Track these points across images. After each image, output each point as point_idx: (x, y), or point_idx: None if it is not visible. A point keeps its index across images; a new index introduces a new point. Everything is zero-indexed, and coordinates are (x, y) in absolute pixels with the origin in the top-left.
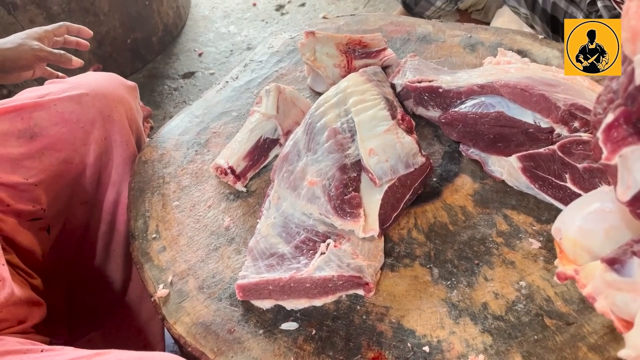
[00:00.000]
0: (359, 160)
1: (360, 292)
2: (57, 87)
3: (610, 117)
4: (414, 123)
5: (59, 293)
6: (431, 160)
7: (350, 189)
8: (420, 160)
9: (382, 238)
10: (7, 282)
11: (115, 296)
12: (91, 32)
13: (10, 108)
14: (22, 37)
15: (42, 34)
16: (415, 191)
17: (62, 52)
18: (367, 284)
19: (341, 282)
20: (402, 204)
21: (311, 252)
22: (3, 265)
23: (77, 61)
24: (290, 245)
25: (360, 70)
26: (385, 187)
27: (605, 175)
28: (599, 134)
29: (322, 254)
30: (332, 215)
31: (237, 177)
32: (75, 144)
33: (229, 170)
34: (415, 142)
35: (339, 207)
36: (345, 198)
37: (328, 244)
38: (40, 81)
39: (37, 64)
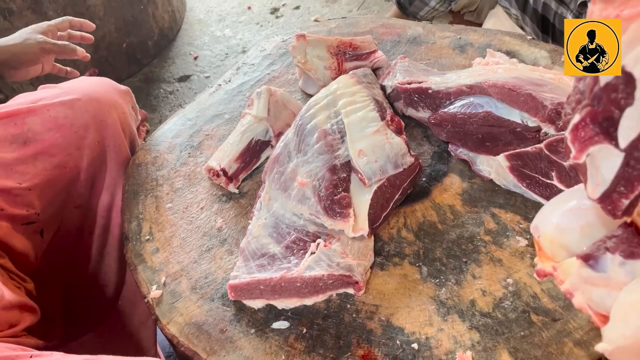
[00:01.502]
0: (349, 161)
1: (350, 290)
2: (50, 92)
3: (577, 118)
4: (403, 124)
5: (53, 296)
6: (420, 161)
7: (340, 189)
8: (409, 160)
9: (372, 237)
10: None
11: (109, 299)
12: (93, 25)
13: (3, 114)
14: (27, 32)
15: (47, 28)
16: (405, 191)
17: (66, 43)
18: (356, 282)
19: (331, 281)
20: (392, 203)
21: (302, 251)
22: None
23: (81, 51)
24: (281, 245)
25: (351, 72)
26: (375, 187)
27: None
28: (567, 134)
29: (312, 253)
30: (322, 215)
31: (230, 178)
32: (68, 149)
33: (221, 172)
34: (404, 143)
35: (328, 208)
36: (335, 198)
37: (318, 244)
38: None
39: (43, 57)
